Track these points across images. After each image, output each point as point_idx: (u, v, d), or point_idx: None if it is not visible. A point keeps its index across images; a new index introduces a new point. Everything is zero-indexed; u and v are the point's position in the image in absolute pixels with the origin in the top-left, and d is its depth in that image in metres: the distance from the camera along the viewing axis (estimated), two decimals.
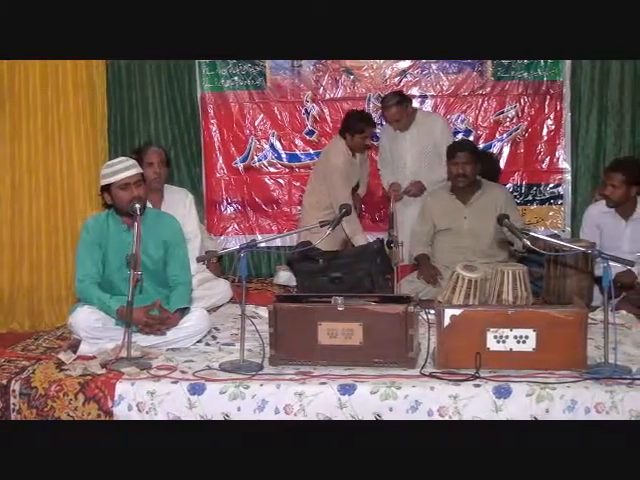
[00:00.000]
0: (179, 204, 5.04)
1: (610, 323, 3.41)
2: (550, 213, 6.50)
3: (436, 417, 3.20)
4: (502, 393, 3.19)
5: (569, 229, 6.38)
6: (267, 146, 6.66)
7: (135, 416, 3.31)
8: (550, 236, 5.23)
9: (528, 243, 3.69)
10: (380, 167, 6.20)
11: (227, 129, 6.65)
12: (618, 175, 4.84)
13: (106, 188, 3.96)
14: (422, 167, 5.86)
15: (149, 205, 4.49)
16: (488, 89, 6.47)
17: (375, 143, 6.35)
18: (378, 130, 6.31)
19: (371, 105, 6.55)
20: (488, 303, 4.53)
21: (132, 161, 4.05)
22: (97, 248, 3.98)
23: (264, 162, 6.67)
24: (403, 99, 5.86)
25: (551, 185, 6.47)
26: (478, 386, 3.22)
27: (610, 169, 4.98)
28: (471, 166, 5.09)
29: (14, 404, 3.41)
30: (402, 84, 6.48)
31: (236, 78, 6.57)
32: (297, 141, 6.60)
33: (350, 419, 3.22)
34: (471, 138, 6.40)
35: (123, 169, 3.93)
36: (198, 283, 4.75)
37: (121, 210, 3.95)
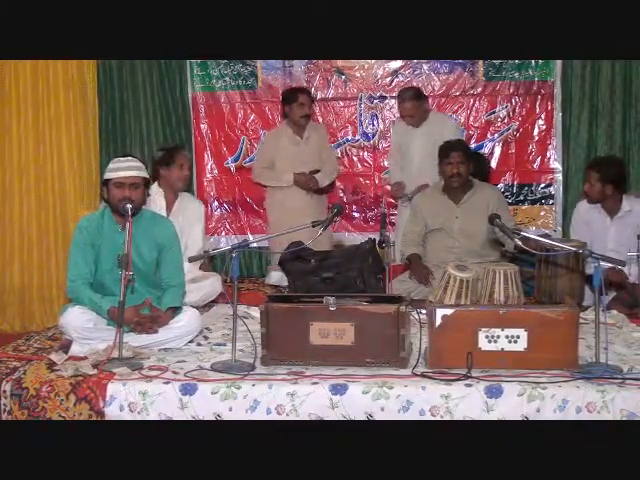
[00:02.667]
0: (193, 212, 5.25)
1: (601, 323, 3.42)
2: (541, 213, 6.52)
3: (428, 417, 3.20)
4: (493, 393, 3.19)
5: (560, 229, 6.40)
6: (258, 146, 6.65)
7: (127, 416, 3.30)
8: (541, 236, 5.24)
9: (519, 243, 3.70)
10: (389, 164, 6.24)
11: (218, 129, 6.65)
12: (593, 173, 4.93)
13: (105, 182, 3.98)
14: (428, 166, 5.82)
15: (157, 207, 4.59)
16: (479, 89, 6.49)
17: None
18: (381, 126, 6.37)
19: (362, 105, 6.55)
20: (480, 303, 4.53)
21: (138, 163, 4.05)
22: (90, 248, 3.97)
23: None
24: (419, 95, 5.94)
25: (542, 185, 6.49)
26: (469, 386, 3.23)
27: (588, 167, 5.11)
28: (465, 165, 5.11)
29: (5, 405, 3.39)
30: (394, 84, 6.49)
31: (227, 78, 6.58)
32: None
33: (342, 419, 3.22)
34: (461, 140, 6.40)
35: (124, 168, 3.95)
36: (189, 281, 4.76)
37: (113, 207, 3.95)
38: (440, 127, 5.91)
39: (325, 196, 6.28)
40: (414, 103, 5.86)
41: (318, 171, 6.04)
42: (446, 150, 5.16)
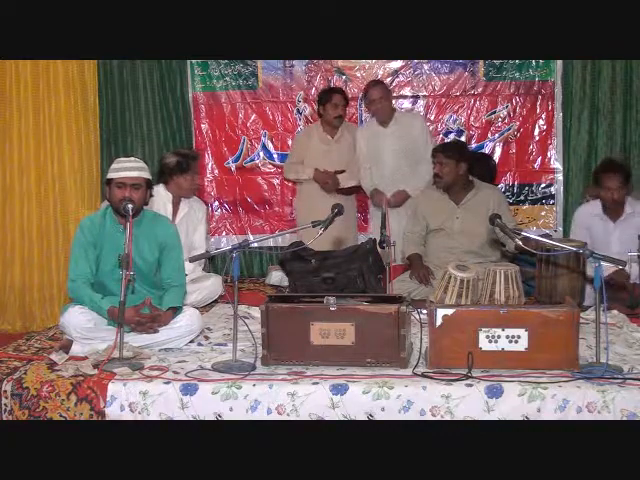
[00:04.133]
0: (196, 213, 5.27)
1: (602, 323, 3.42)
2: (542, 213, 6.52)
3: (428, 417, 3.20)
4: (494, 393, 3.19)
5: (561, 229, 6.40)
6: (259, 146, 6.65)
7: (127, 416, 3.30)
8: (541, 236, 5.24)
9: (520, 243, 3.70)
10: (360, 174, 6.07)
11: (219, 129, 6.65)
12: (618, 177, 4.81)
13: (108, 182, 3.99)
14: (401, 166, 5.87)
15: (163, 211, 4.59)
16: (480, 89, 6.48)
17: None
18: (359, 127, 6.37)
19: (363, 105, 6.55)
20: (480, 303, 4.53)
21: (140, 164, 4.04)
22: (92, 248, 3.97)
23: (256, 162, 6.67)
24: (385, 87, 5.96)
25: (543, 185, 6.49)
26: (470, 386, 3.23)
27: (610, 171, 4.86)
28: (448, 167, 5.09)
29: (6, 405, 3.40)
30: (394, 84, 6.48)
31: (228, 78, 6.57)
32: (289, 141, 6.58)
33: (342, 419, 3.23)
34: (463, 138, 6.43)
35: (126, 168, 3.94)
36: (190, 282, 4.77)
37: (114, 207, 3.95)
38: (409, 125, 5.92)
39: (353, 197, 6.27)
40: (381, 91, 5.84)
41: (343, 171, 6.05)
42: (433, 151, 5.23)
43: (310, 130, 6.25)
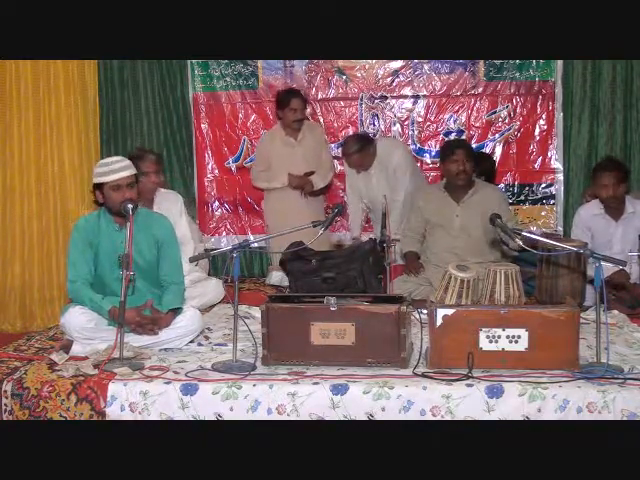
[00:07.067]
0: (171, 209, 5.07)
1: (602, 323, 3.42)
2: (542, 213, 6.51)
3: (428, 417, 3.20)
4: (494, 393, 3.20)
5: (561, 229, 6.39)
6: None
7: (127, 416, 3.31)
8: (546, 234, 5.23)
9: (520, 243, 3.70)
10: (349, 194, 6.25)
11: (219, 129, 6.64)
12: (615, 175, 4.83)
13: (98, 187, 3.95)
14: (387, 189, 5.84)
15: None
16: (480, 89, 6.47)
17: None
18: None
19: (363, 105, 6.55)
20: (480, 303, 4.53)
21: (127, 161, 4.01)
22: (88, 248, 3.97)
23: None
24: (364, 145, 5.90)
25: (543, 185, 6.48)
26: (470, 386, 3.23)
27: (606, 170, 4.88)
28: (470, 163, 5.09)
29: (6, 405, 3.40)
30: (394, 84, 6.48)
31: (228, 78, 6.56)
32: None
33: (343, 419, 3.23)
34: (463, 138, 6.41)
35: (117, 170, 3.92)
36: (190, 283, 4.75)
37: (112, 210, 3.94)
38: (389, 155, 5.93)
39: (323, 197, 6.29)
40: (360, 154, 5.87)
41: (313, 172, 6.05)
42: (450, 148, 5.17)
43: (272, 134, 6.18)
